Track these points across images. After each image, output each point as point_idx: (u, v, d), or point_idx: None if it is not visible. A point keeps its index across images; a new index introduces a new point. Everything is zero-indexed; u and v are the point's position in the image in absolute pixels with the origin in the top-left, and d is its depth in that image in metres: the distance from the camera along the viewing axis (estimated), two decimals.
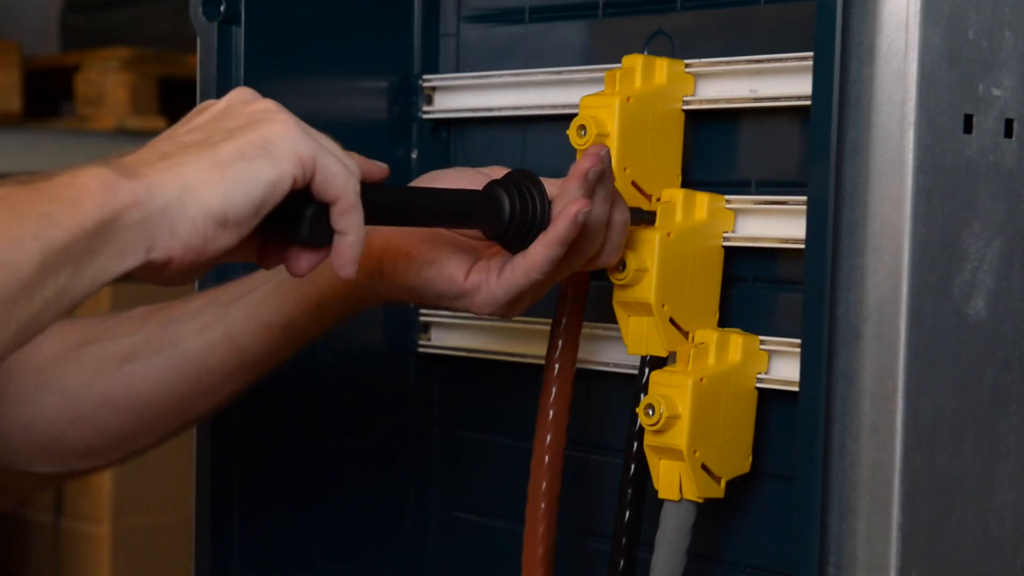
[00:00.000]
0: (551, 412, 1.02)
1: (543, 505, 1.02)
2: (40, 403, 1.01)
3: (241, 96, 0.86)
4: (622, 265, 0.97)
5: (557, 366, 1.02)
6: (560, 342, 1.02)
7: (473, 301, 0.96)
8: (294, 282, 0.97)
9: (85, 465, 1.04)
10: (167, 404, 1.00)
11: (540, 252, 0.92)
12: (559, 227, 0.91)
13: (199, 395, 1.00)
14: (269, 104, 0.85)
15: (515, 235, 0.93)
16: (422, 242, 0.96)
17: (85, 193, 0.77)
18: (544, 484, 1.02)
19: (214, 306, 1.00)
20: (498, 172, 0.97)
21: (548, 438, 1.02)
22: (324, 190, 0.83)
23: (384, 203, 0.89)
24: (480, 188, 0.95)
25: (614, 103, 0.99)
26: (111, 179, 0.77)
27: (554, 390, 1.02)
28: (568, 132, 1.00)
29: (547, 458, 1.02)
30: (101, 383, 1.01)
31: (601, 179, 0.93)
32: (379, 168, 0.89)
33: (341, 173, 0.83)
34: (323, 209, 0.84)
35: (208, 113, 0.85)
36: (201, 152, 0.81)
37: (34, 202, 0.76)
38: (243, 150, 0.81)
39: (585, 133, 0.99)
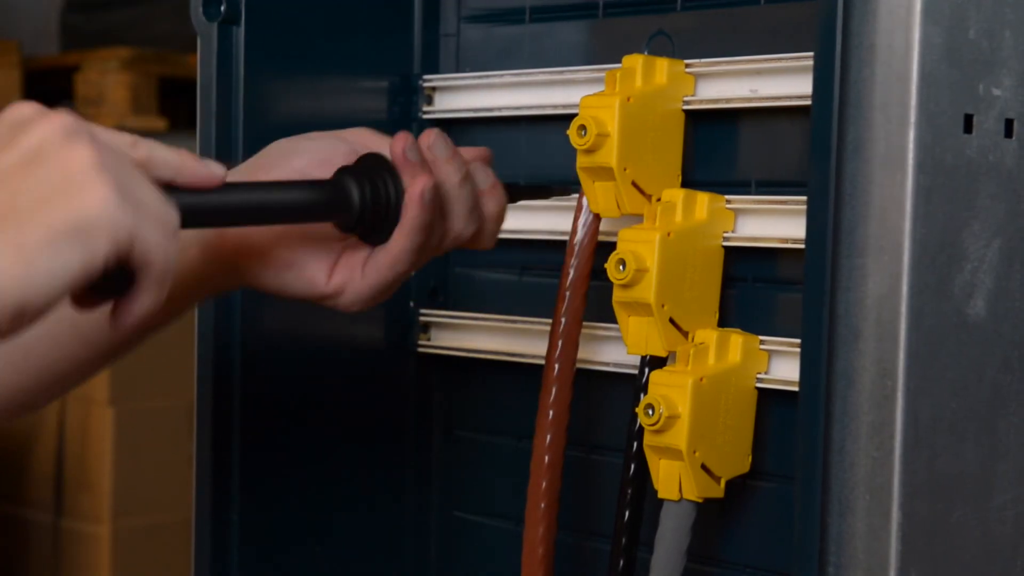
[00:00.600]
0: (551, 412, 1.02)
1: (543, 505, 1.03)
2: None
3: (47, 129, 0.75)
4: (622, 265, 0.97)
5: (557, 366, 1.02)
6: (560, 342, 1.02)
7: (338, 302, 0.91)
8: None
9: None
10: (66, 363, 0.94)
11: (400, 243, 0.88)
12: (410, 214, 0.87)
13: (44, 387, 0.94)
14: (84, 152, 0.74)
15: (370, 226, 0.89)
16: (278, 243, 0.90)
17: None
18: (544, 484, 1.02)
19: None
20: (361, 135, 0.92)
21: (548, 438, 1.02)
22: (138, 263, 0.75)
23: (211, 205, 0.82)
24: (339, 159, 0.89)
25: (614, 103, 0.99)
26: None
27: (554, 390, 1.02)
28: (568, 132, 1.00)
29: (547, 458, 1.02)
30: None
31: (443, 154, 0.89)
32: (210, 176, 0.82)
33: (159, 244, 0.75)
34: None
35: (16, 153, 0.74)
36: (6, 230, 0.72)
37: None
38: (54, 235, 0.72)
39: (585, 133, 0.99)
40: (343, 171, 0.89)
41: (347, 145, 0.93)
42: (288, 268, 0.90)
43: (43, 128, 0.75)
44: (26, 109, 0.76)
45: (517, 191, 1.01)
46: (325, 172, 0.90)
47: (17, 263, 0.71)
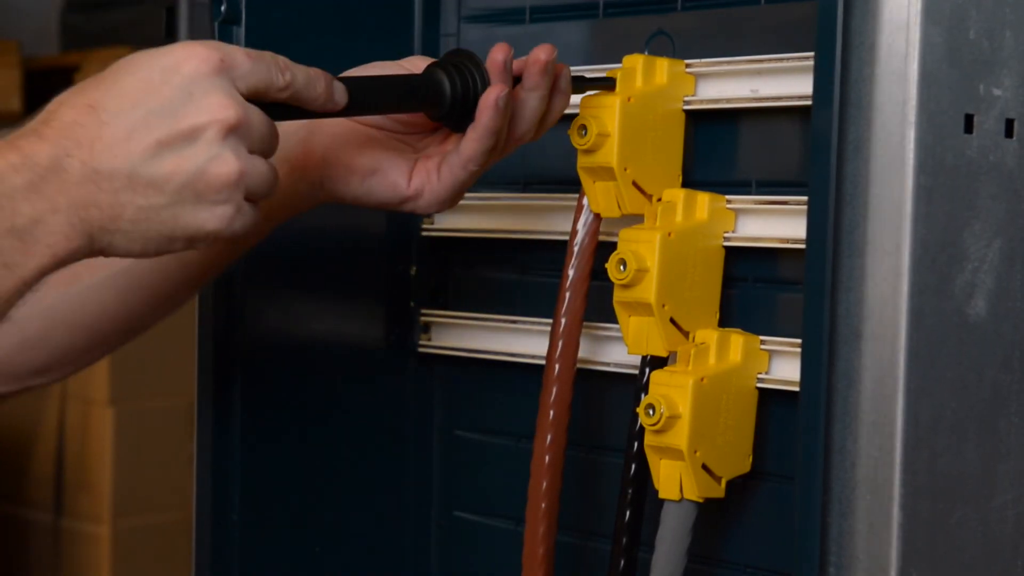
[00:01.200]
0: (551, 412, 1.02)
1: (543, 505, 1.03)
2: None
3: (207, 107, 0.83)
4: (623, 265, 0.97)
5: (557, 366, 1.02)
6: (560, 342, 1.02)
7: (418, 204, 0.97)
8: None
9: (40, 381, 1.05)
10: (116, 320, 1.02)
11: (472, 146, 0.94)
12: (483, 119, 0.93)
13: (148, 307, 1.02)
14: (219, 117, 0.83)
15: (460, 114, 0.94)
16: (361, 152, 0.97)
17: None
18: (544, 484, 1.02)
19: None
20: (417, 63, 0.97)
21: (548, 438, 1.02)
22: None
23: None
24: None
25: (615, 103, 0.99)
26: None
27: (555, 390, 1.02)
28: (569, 132, 1.00)
29: (547, 458, 1.02)
30: (47, 307, 1.02)
31: (540, 71, 0.94)
32: (334, 107, 0.89)
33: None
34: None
35: (172, 139, 0.83)
36: (137, 227, 0.82)
37: None
38: (178, 231, 0.83)
39: (586, 133, 0.99)
40: (434, 65, 0.94)
41: (403, 69, 0.97)
42: (372, 175, 0.96)
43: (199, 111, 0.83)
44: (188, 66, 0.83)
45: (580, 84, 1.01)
46: None
47: (136, 244, 0.83)
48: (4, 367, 1.04)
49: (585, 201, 1.03)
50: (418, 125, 0.99)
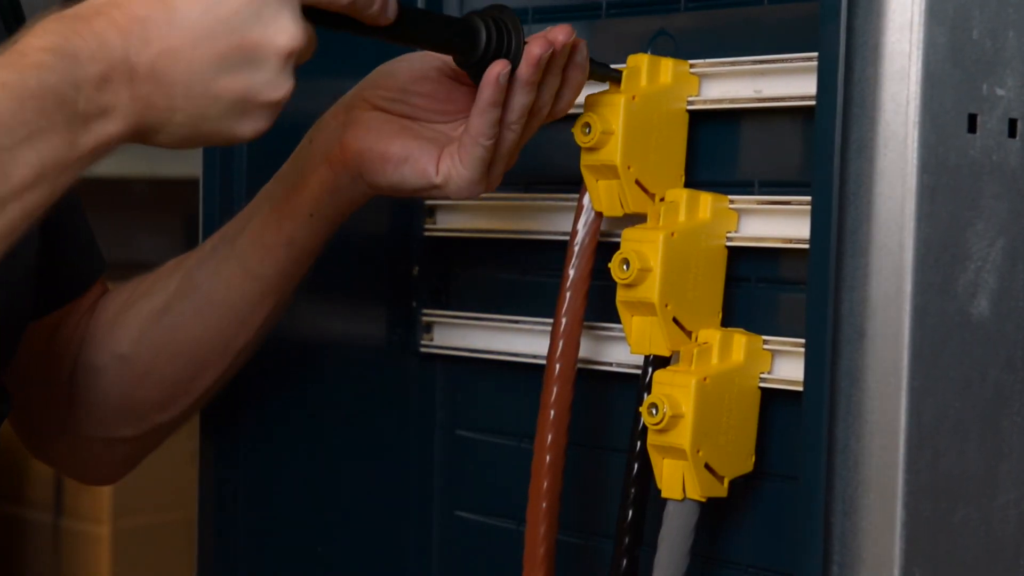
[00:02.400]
0: (552, 412, 1.02)
1: (544, 505, 1.02)
2: (105, 370, 1.07)
3: (274, 31, 0.85)
4: (626, 264, 0.98)
5: (558, 366, 1.02)
6: (560, 343, 1.02)
7: (449, 189, 0.99)
8: (285, 200, 1.02)
9: (164, 418, 1.09)
10: (209, 344, 1.06)
11: (476, 120, 0.96)
12: (484, 93, 0.95)
13: (233, 328, 1.05)
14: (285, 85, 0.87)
15: (486, 68, 0.95)
16: (392, 141, 1.00)
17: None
18: (545, 484, 1.02)
19: (224, 243, 1.05)
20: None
21: (549, 438, 1.02)
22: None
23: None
24: (433, 71, 0.99)
25: (619, 101, 0.99)
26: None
27: (555, 390, 1.02)
28: (573, 130, 1.00)
29: (548, 458, 1.02)
30: (148, 339, 1.06)
31: (557, 55, 0.96)
32: (386, 20, 0.91)
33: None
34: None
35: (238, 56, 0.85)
36: (181, 129, 0.85)
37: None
38: (216, 137, 0.86)
39: (590, 131, 0.99)
40: (473, 13, 0.96)
41: (438, 59, 1.00)
42: (403, 163, 0.99)
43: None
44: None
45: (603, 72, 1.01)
46: (422, 86, 1.00)
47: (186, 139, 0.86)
48: (127, 405, 1.08)
49: (586, 200, 1.03)
50: (447, 111, 1.00)
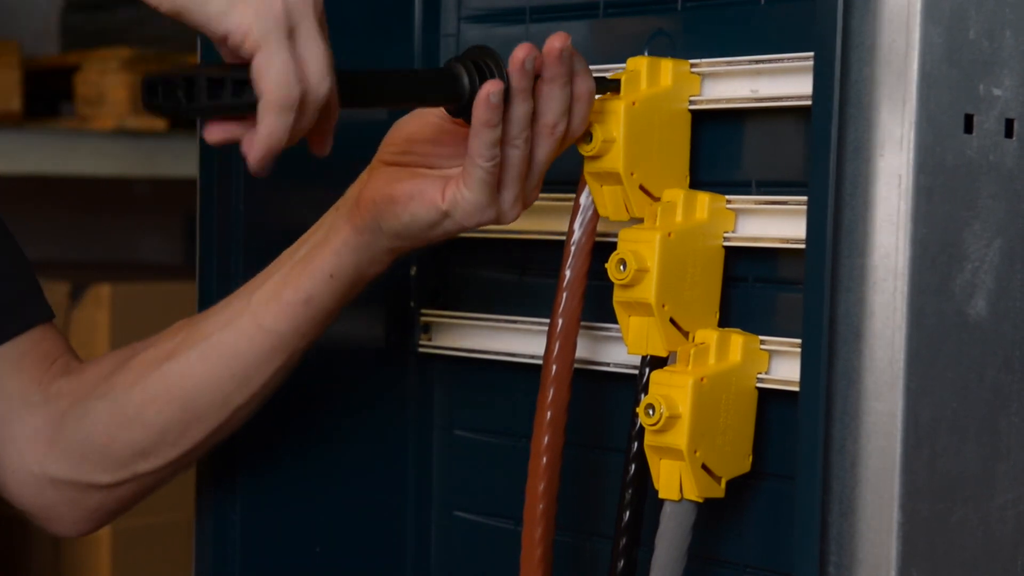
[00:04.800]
0: (548, 413, 1.02)
1: (541, 506, 1.02)
2: (92, 413, 1.07)
3: None
4: (623, 265, 0.97)
5: (555, 367, 1.02)
6: (557, 344, 1.02)
7: (458, 216, 0.99)
8: (308, 258, 1.03)
9: (146, 466, 1.08)
10: (208, 395, 1.05)
11: (473, 142, 0.96)
12: (476, 113, 0.95)
13: (237, 382, 1.05)
14: None
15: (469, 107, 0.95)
16: (400, 183, 1.00)
17: None
18: (542, 485, 1.02)
19: (240, 297, 1.05)
20: None
21: (546, 439, 1.02)
22: (256, 83, 0.87)
23: (353, 87, 0.92)
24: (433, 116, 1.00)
25: (619, 108, 0.99)
26: None
27: (551, 391, 1.02)
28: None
29: (545, 459, 1.02)
30: (144, 384, 1.06)
31: (556, 60, 0.96)
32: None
33: (280, 73, 0.87)
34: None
35: None
36: None
37: None
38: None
39: (591, 139, 0.99)
40: (452, 60, 0.97)
41: (438, 110, 1.01)
42: (411, 199, 0.99)
43: None
44: None
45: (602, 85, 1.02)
46: (426, 135, 1.01)
47: None
48: (107, 449, 1.08)
49: (582, 200, 1.03)
50: (456, 154, 1.01)
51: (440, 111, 1.00)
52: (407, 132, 1.02)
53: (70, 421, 1.08)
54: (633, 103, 0.99)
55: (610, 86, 1.01)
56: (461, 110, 0.96)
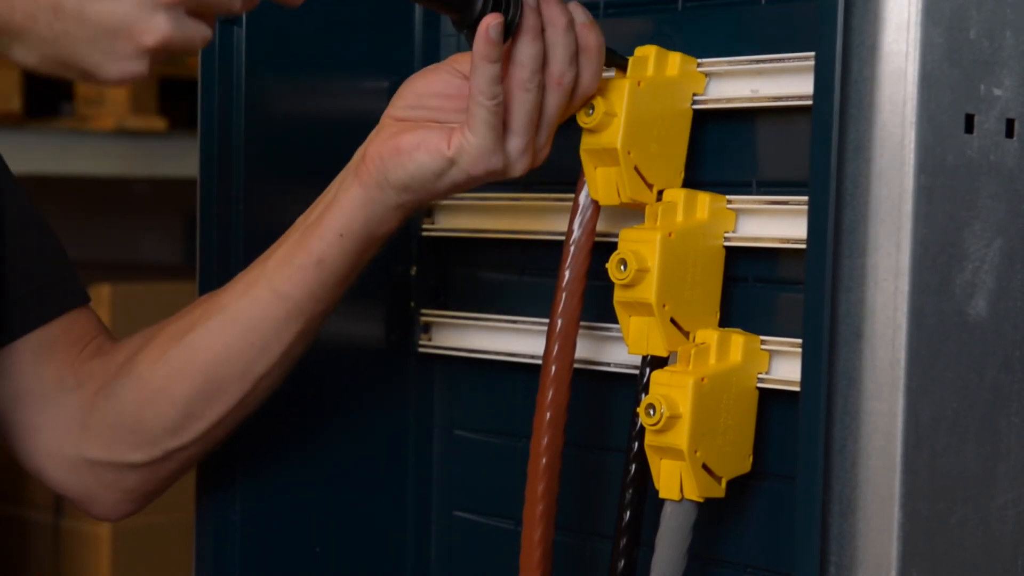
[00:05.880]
0: (548, 414, 1.02)
1: (541, 508, 1.02)
2: (120, 392, 1.08)
3: None
4: (623, 265, 0.97)
5: (554, 367, 1.02)
6: (556, 344, 1.02)
7: (464, 163, 0.98)
8: (318, 220, 1.03)
9: (175, 443, 1.08)
10: (228, 365, 1.05)
11: (473, 79, 0.96)
12: (476, 47, 0.95)
13: (256, 351, 1.05)
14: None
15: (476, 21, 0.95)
16: (403, 135, 1.00)
17: None
18: (542, 487, 1.02)
19: (256, 265, 1.05)
20: (459, 60, 1.02)
21: (545, 440, 1.02)
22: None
23: None
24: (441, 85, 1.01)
25: (624, 84, 0.99)
26: None
27: (551, 391, 1.02)
28: (576, 112, 1.00)
29: (544, 460, 1.02)
30: (167, 359, 1.07)
31: (554, 3, 0.97)
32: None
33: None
34: None
35: None
36: (41, 45, 0.83)
37: None
38: (78, 64, 0.84)
39: (593, 111, 0.99)
40: None
41: (446, 65, 1.02)
42: (416, 148, 0.99)
43: None
44: None
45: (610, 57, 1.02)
46: (434, 88, 1.01)
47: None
48: (137, 427, 1.08)
49: (581, 199, 1.03)
50: (455, 98, 1.01)
51: (449, 66, 1.01)
52: (417, 87, 1.02)
53: (100, 402, 1.08)
54: (639, 83, 1.00)
55: (618, 61, 1.01)
56: (468, 26, 0.95)
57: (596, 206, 1.03)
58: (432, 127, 1.00)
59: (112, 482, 1.10)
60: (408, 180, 1.00)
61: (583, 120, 0.99)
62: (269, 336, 1.05)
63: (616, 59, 1.01)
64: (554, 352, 1.02)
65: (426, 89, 1.02)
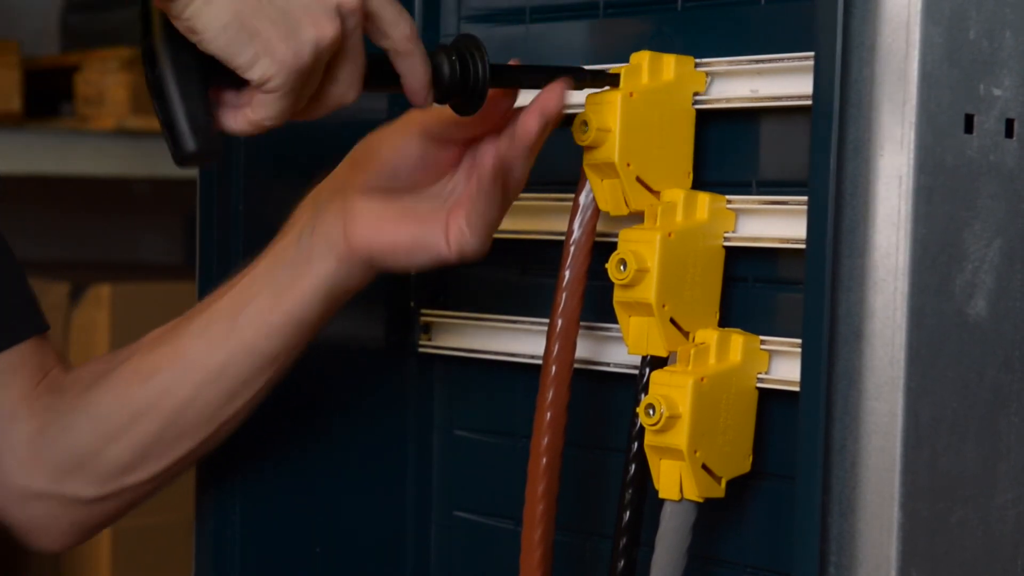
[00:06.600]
0: (548, 414, 1.02)
1: (541, 508, 1.02)
2: (75, 427, 1.06)
3: None
4: (623, 265, 0.97)
5: (554, 367, 1.02)
6: (556, 344, 1.02)
7: (465, 258, 1.00)
8: (291, 285, 1.02)
9: (131, 480, 1.07)
10: (194, 411, 1.05)
11: (479, 200, 0.98)
12: (482, 182, 0.96)
13: (224, 400, 1.04)
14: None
15: (461, 99, 0.96)
16: (398, 228, 1.00)
17: None
18: (542, 487, 1.02)
19: (221, 320, 1.04)
20: (427, 115, 1.00)
21: (545, 440, 1.02)
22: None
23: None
24: (413, 147, 1.00)
25: (616, 99, 0.99)
26: None
27: (551, 392, 1.02)
28: (571, 129, 1.00)
29: (544, 460, 1.02)
30: (128, 399, 1.05)
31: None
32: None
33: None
34: None
35: None
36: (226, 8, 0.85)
37: None
38: (267, 38, 0.86)
39: (587, 129, 0.99)
40: (437, 48, 0.96)
41: (416, 125, 1.01)
42: (414, 248, 1.00)
43: None
44: None
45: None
46: (409, 160, 1.01)
47: None
48: (91, 463, 1.06)
49: (582, 199, 1.03)
50: (438, 172, 1.02)
51: (420, 127, 1.00)
52: (388, 159, 1.01)
53: (54, 434, 1.07)
54: (631, 94, 0.99)
55: (609, 80, 1.00)
56: (444, 98, 0.96)
57: (596, 206, 1.03)
58: (420, 216, 1.00)
59: (59, 515, 1.09)
60: (399, 269, 1.02)
61: (579, 138, 0.99)
62: (238, 385, 1.04)
63: (607, 79, 1.00)
64: (554, 352, 1.02)
65: (400, 160, 1.01)
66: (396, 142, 1.01)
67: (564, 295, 1.02)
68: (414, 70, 0.92)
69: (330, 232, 1.01)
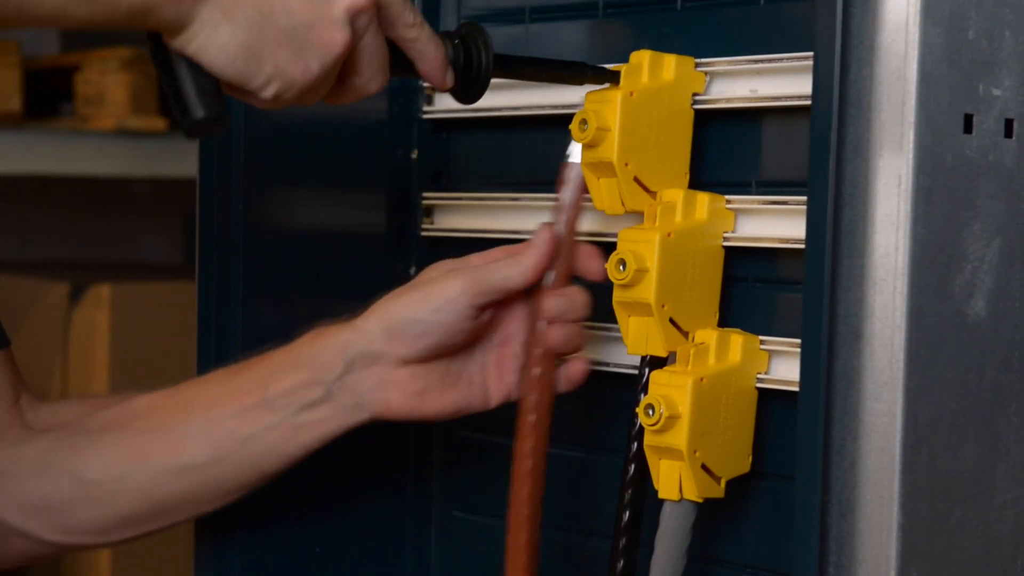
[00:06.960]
0: (531, 416, 1.01)
1: (526, 512, 1.01)
2: (54, 482, 1.04)
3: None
4: (622, 265, 0.97)
5: (537, 370, 1.01)
6: (539, 348, 1.01)
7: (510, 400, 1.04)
8: (317, 424, 1.03)
9: (95, 540, 1.07)
10: (181, 501, 1.05)
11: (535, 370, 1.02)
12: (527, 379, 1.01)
13: (215, 498, 1.05)
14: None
15: (463, 85, 0.97)
16: (444, 398, 1.03)
17: None
18: (526, 491, 1.01)
19: (228, 438, 1.03)
20: (485, 260, 1.02)
21: (529, 443, 1.01)
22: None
23: None
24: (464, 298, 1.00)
25: (616, 97, 0.99)
26: None
27: (533, 394, 1.01)
28: (571, 127, 1.00)
29: (529, 463, 1.01)
30: (115, 474, 1.04)
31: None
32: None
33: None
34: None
35: None
36: (251, 25, 0.85)
37: None
38: (263, 61, 0.86)
39: (586, 127, 0.99)
40: (442, 33, 0.97)
41: (463, 299, 1.01)
42: (460, 411, 1.04)
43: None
44: None
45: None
46: (459, 337, 1.02)
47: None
48: (63, 516, 1.05)
49: (564, 196, 1.02)
50: (480, 339, 1.04)
51: (468, 299, 1.00)
52: (439, 336, 1.01)
53: (26, 473, 1.05)
54: (631, 94, 0.99)
55: (610, 77, 1.00)
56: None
57: (577, 205, 1.02)
58: (468, 389, 1.04)
59: (12, 545, 1.06)
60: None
61: (578, 136, 0.99)
62: (234, 490, 1.05)
63: (608, 76, 1.01)
64: (537, 355, 1.01)
65: (452, 340, 1.01)
66: (447, 320, 1.01)
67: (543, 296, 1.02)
68: (425, 55, 0.93)
69: (366, 394, 1.02)
